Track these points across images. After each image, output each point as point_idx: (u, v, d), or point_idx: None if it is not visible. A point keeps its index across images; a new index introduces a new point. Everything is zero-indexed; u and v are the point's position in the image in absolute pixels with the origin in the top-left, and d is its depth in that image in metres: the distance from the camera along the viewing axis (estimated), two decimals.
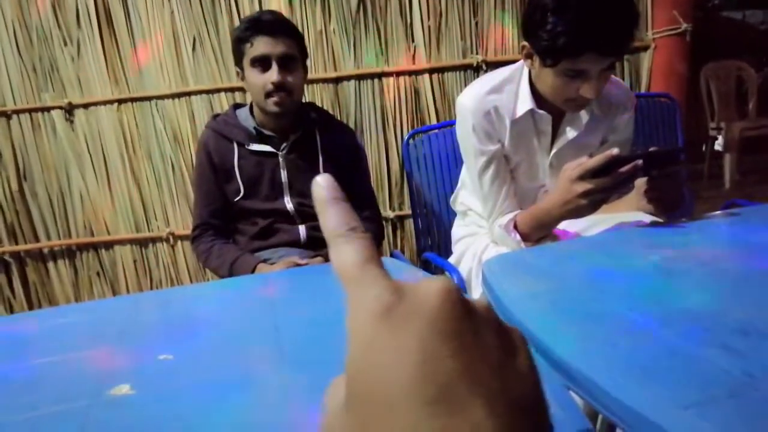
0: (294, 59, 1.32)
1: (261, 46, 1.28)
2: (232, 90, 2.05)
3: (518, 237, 1.13)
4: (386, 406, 0.18)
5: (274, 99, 1.29)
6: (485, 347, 0.19)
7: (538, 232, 1.11)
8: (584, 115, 1.15)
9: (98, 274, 2.21)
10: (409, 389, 0.17)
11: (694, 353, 0.52)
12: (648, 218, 1.03)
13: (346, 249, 0.22)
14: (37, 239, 2.17)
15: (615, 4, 0.95)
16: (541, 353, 0.56)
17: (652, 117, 1.71)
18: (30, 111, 2.06)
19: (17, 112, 2.06)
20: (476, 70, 2.02)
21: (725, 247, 0.85)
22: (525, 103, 1.14)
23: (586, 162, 0.91)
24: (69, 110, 2.06)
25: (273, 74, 1.28)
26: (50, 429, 0.51)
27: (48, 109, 2.06)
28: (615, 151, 0.89)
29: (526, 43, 1.08)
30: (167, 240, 2.16)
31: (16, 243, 2.16)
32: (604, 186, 0.90)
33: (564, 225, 1.10)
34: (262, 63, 1.29)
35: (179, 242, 2.17)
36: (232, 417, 0.50)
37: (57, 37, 2.01)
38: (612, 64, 1.02)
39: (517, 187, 1.23)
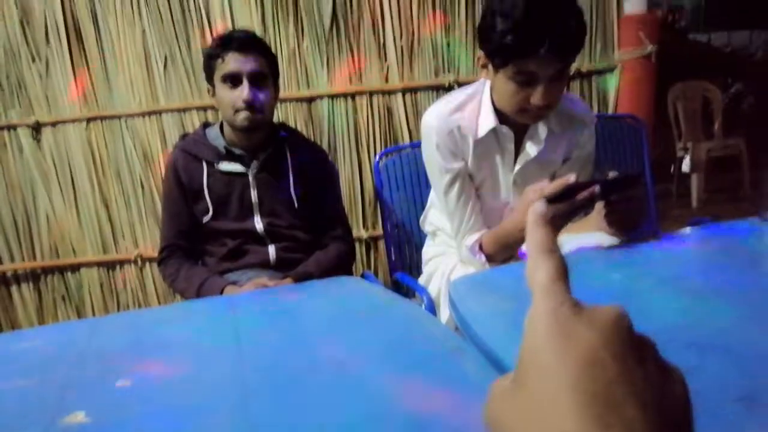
0: (265, 77, 1.32)
1: (232, 62, 1.28)
2: (203, 108, 2.04)
3: (483, 258, 1.14)
4: (555, 391, 0.22)
5: (244, 114, 1.29)
6: (645, 369, 0.23)
7: (503, 253, 1.13)
8: (543, 132, 1.17)
9: (63, 297, 2.15)
10: (575, 382, 0.21)
11: None
12: (609, 239, 1.04)
13: (545, 264, 0.27)
14: (0, 262, 2.11)
15: (561, 7, 0.98)
16: (502, 372, 0.56)
17: (619, 138, 1.75)
18: None
19: None
20: (448, 89, 2.04)
21: (684, 266, 0.87)
22: (487, 120, 1.16)
23: (545, 187, 0.93)
24: (36, 128, 2.03)
25: (243, 91, 1.28)
26: None
27: (14, 127, 2.02)
28: (572, 177, 0.91)
29: (480, 52, 1.10)
30: (135, 262, 2.12)
31: None
32: (563, 211, 0.92)
33: (525, 247, 1.11)
34: (233, 80, 1.29)
35: (148, 264, 2.13)
36: None
37: (25, 53, 1.98)
38: (562, 71, 1.04)
39: (482, 204, 1.24)
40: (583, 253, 0.96)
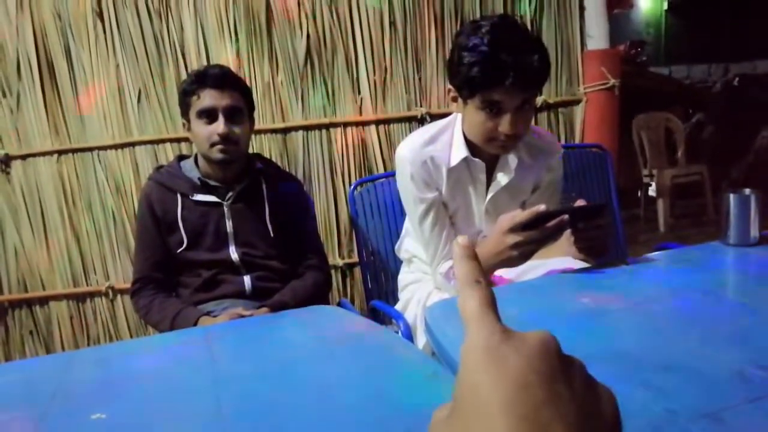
0: (240, 111, 1.34)
1: (207, 98, 1.30)
2: (177, 140, 2.04)
3: (457, 284, 1.16)
4: (487, 416, 0.23)
5: (219, 147, 1.31)
6: (573, 390, 0.24)
7: None
8: (513, 161, 1.22)
9: (31, 332, 2.09)
10: (506, 406, 0.22)
11: (617, 390, 0.54)
12: (577, 264, 1.08)
13: (473, 294, 0.28)
14: None
15: (524, 42, 1.04)
16: None
17: (586, 166, 1.81)
18: None
19: None
20: (420, 121, 2.09)
21: (650, 289, 0.90)
22: (459, 151, 1.20)
23: (516, 216, 0.97)
24: (5, 162, 2.00)
25: (219, 126, 1.30)
26: None
27: None
28: (542, 207, 0.96)
29: (450, 87, 1.15)
30: (106, 294, 2.08)
31: None
32: (532, 239, 0.96)
33: (499, 272, 1.15)
34: (209, 115, 1.31)
35: (119, 296, 2.09)
36: None
37: None
38: (527, 101, 1.09)
39: (456, 232, 1.26)
40: (553, 277, 0.99)
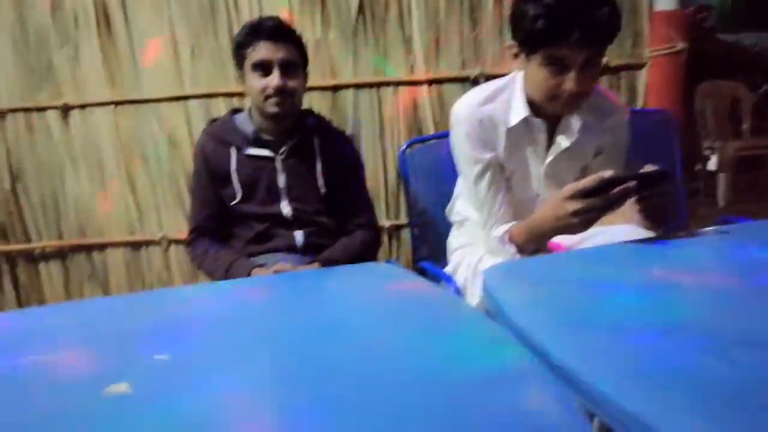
0: (295, 64, 1.32)
1: (263, 51, 1.29)
2: (229, 95, 2.04)
3: (513, 249, 1.14)
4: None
5: (274, 101, 1.30)
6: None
7: (532, 244, 1.12)
8: (576, 123, 1.17)
9: (90, 276, 2.18)
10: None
11: (694, 362, 0.52)
12: (640, 232, 1.04)
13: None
14: (28, 240, 2.15)
15: None
16: (542, 359, 0.56)
17: (648, 133, 1.72)
18: (25, 110, 2.05)
19: (12, 111, 2.05)
20: (474, 82, 2.03)
21: (718, 263, 0.86)
22: (519, 111, 1.15)
23: (579, 182, 0.94)
24: (64, 111, 2.05)
25: (274, 78, 1.28)
26: (44, 428, 0.50)
27: (43, 109, 2.05)
28: (607, 173, 0.92)
29: (512, 42, 1.10)
30: (160, 243, 2.14)
31: (8, 243, 2.13)
32: (595, 206, 0.93)
33: (557, 238, 1.12)
34: (264, 67, 1.29)
35: (172, 246, 2.15)
36: (231, 418, 0.49)
37: (54, 38, 2.00)
38: (594, 58, 1.03)
39: (512, 196, 1.23)
40: (616, 245, 0.96)
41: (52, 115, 2.06)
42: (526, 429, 0.45)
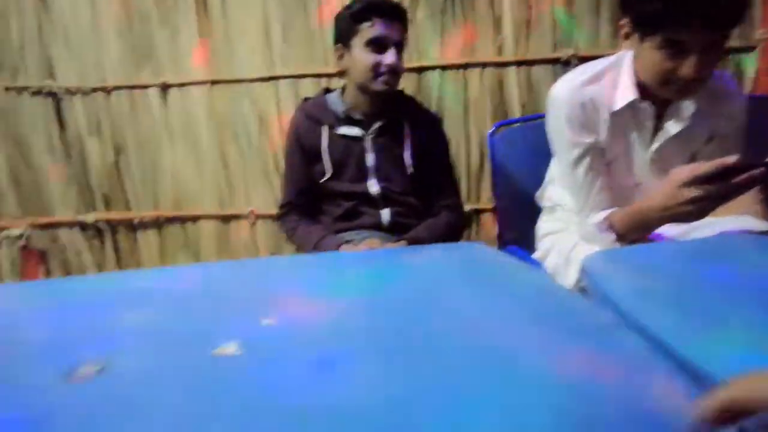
0: (403, 45, 1.34)
1: (380, 28, 1.29)
2: (318, 76, 2.08)
3: (612, 236, 1.09)
4: None
5: (385, 78, 1.31)
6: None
7: (634, 233, 1.07)
8: (688, 108, 1.09)
9: (183, 245, 2.31)
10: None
11: None
12: (757, 223, 0.97)
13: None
14: (128, 209, 2.30)
15: None
16: (665, 353, 0.54)
17: (757, 121, 1.60)
18: (128, 88, 2.18)
19: (117, 88, 2.18)
20: (566, 64, 1.96)
21: None
22: (626, 93, 1.09)
23: (698, 167, 0.87)
24: (164, 89, 2.17)
25: (389, 56, 1.30)
26: (158, 381, 0.52)
27: (144, 87, 2.17)
28: (731, 159, 0.85)
29: (624, 21, 1.04)
30: (248, 218, 2.23)
31: (110, 211, 2.29)
32: (713, 194, 0.86)
33: (662, 227, 1.06)
34: (379, 44, 1.30)
35: (258, 221, 2.24)
36: (336, 388, 0.49)
37: (156, 19, 2.11)
38: (717, 42, 0.96)
39: (611, 182, 1.18)
40: (732, 237, 0.90)
41: (153, 93, 2.18)
42: (657, 422, 0.43)
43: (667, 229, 1.07)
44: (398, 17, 1.32)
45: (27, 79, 2.14)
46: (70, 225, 2.27)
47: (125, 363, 0.55)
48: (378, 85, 1.32)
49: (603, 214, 1.11)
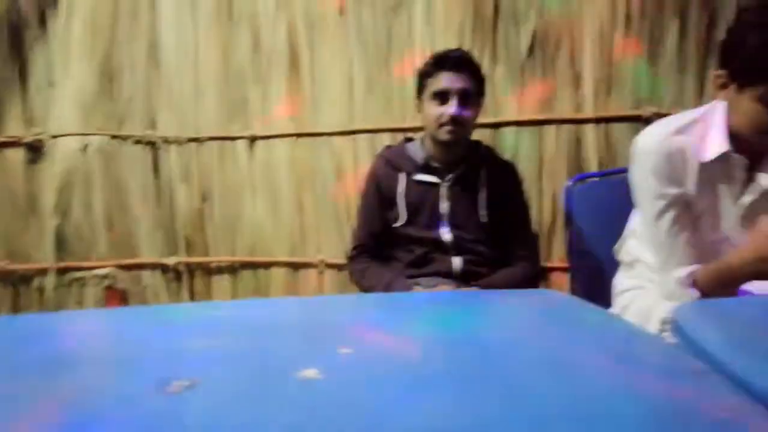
0: (471, 95, 1.37)
1: (443, 80, 1.35)
2: (394, 130, 2.14)
3: (697, 294, 1.04)
4: None
5: (447, 128, 1.35)
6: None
7: (721, 290, 1.01)
8: None
9: (254, 291, 2.38)
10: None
11: None
12: None
13: None
14: (206, 254, 2.41)
15: None
16: (759, 399, 0.49)
17: None
18: (220, 139, 2.33)
19: (210, 139, 2.34)
20: (647, 122, 1.92)
21: None
22: (718, 145, 1.06)
23: None
24: (251, 141, 2.30)
25: (450, 107, 1.34)
26: (244, 396, 0.53)
27: (234, 139, 2.32)
28: None
29: (720, 72, 1.02)
30: (317, 266, 2.28)
31: (190, 255, 2.41)
32: None
33: (750, 284, 1.00)
34: (442, 96, 1.35)
35: (327, 270, 2.28)
36: (409, 417, 0.48)
37: (251, 76, 2.28)
38: None
39: (697, 237, 1.12)
40: None
41: (241, 145, 2.32)
42: None
43: (757, 285, 1.00)
44: (464, 67, 1.37)
45: (132, 128, 2.34)
46: (153, 267, 2.40)
47: (213, 379, 0.58)
48: (442, 135, 1.36)
49: (687, 269, 1.06)
